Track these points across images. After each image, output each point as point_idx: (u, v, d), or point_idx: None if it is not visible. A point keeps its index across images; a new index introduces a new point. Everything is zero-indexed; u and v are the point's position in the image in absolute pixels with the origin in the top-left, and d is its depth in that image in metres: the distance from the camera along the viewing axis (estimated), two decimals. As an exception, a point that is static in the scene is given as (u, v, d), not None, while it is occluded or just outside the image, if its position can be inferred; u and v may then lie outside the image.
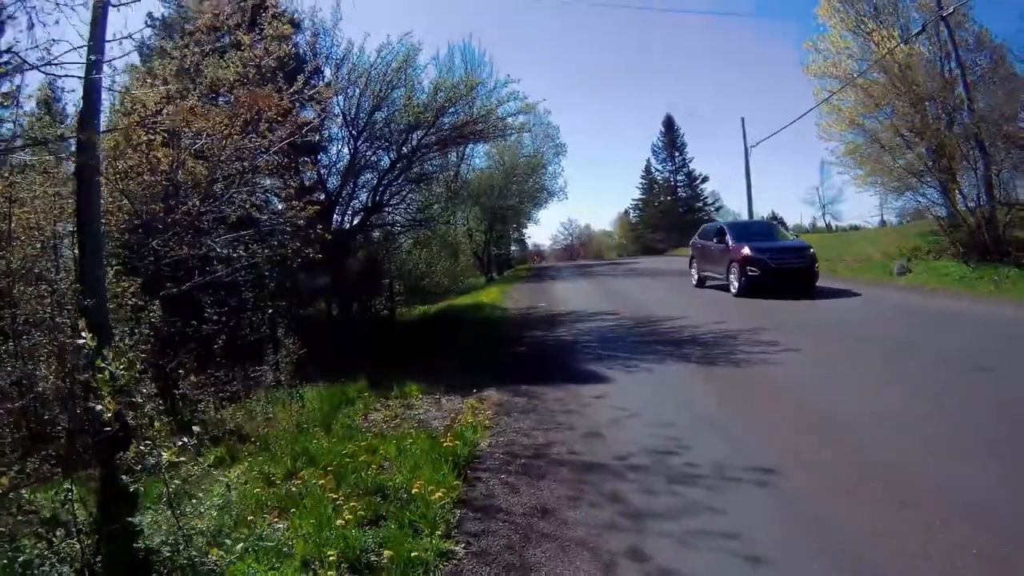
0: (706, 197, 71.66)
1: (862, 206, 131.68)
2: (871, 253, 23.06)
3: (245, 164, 10.56)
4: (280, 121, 10.78)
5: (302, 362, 13.01)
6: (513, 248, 57.43)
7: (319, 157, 16.33)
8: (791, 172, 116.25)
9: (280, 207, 12.69)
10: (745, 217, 39.81)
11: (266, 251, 11.30)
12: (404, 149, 15.95)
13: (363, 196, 16.91)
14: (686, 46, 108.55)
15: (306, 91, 12.33)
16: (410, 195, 18.02)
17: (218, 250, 10.35)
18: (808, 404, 7.25)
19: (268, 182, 13.47)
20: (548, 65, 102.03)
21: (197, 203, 9.93)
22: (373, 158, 16.26)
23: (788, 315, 13.69)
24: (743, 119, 43.24)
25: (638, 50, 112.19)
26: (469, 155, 41.58)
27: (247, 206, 10.71)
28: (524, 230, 54.13)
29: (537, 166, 42.81)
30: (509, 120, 16.79)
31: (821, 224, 68.85)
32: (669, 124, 71.97)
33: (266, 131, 10.56)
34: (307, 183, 16.25)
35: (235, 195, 10.41)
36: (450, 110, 15.75)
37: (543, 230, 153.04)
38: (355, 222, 17.04)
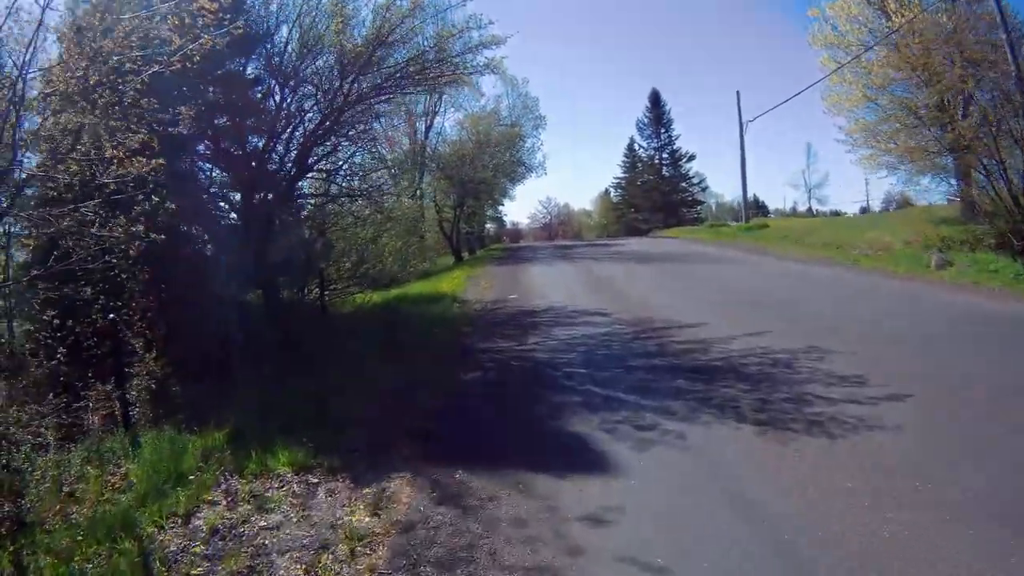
0: (692, 176, 67.96)
1: (847, 191, 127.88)
2: (888, 241, 19.83)
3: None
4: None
5: (176, 376, 9.56)
6: (489, 226, 53.57)
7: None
8: (776, 154, 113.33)
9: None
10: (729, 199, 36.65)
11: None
12: (336, 99, 11.97)
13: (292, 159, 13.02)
14: (674, 17, 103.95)
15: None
16: (350, 159, 14.08)
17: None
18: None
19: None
20: (528, 39, 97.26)
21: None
22: (298, 110, 12.26)
23: (842, 321, 10.07)
24: (738, 92, 39.38)
25: (624, 22, 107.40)
26: (440, 126, 38.26)
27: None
28: (500, 207, 50.04)
29: (514, 138, 39.23)
30: (469, 58, 12.75)
31: (802, 208, 66.22)
32: (655, 99, 67.91)
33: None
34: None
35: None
36: (391, 41, 11.74)
37: (520, 208, 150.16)
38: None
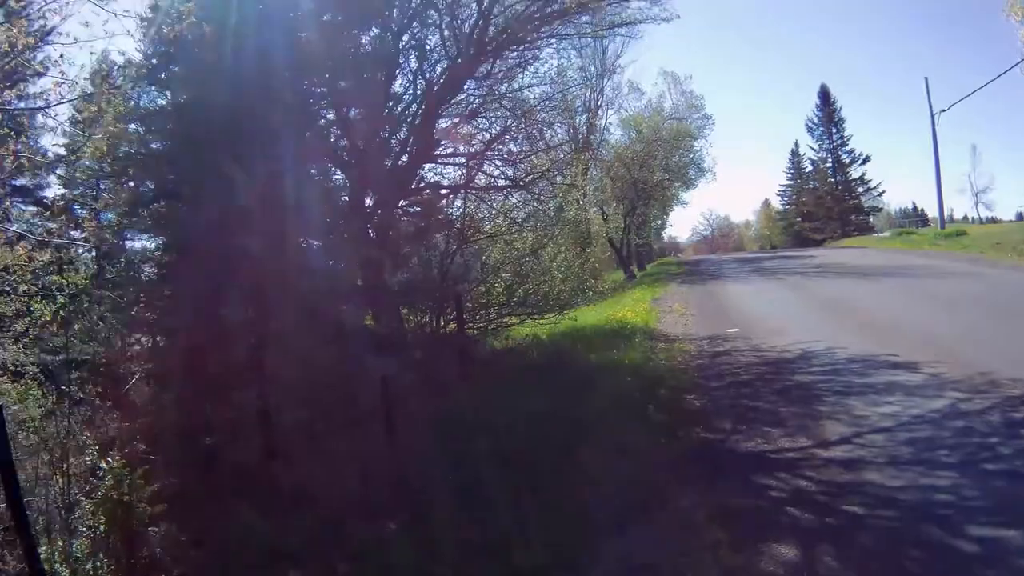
0: (869, 180, 59.32)
1: (1010, 197, 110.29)
2: None
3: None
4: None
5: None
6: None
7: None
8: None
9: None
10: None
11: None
12: (471, 33, 7.83)
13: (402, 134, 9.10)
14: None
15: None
16: (495, 132, 9.93)
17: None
18: None
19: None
20: (682, 33, 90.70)
21: None
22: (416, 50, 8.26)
23: None
24: (927, 79, 33.75)
25: (785, 13, 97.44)
26: (601, 123, 33.84)
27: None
28: (669, 214, 44.60)
29: (684, 135, 34.58)
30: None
31: (974, 215, 56.46)
32: (825, 96, 59.92)
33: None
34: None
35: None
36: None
37: (676, 221, 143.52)
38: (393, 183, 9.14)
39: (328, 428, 6.48)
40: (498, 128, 10.39)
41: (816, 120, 60.86)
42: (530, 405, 6.91)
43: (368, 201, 9.20)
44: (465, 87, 9.73)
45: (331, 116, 8.93)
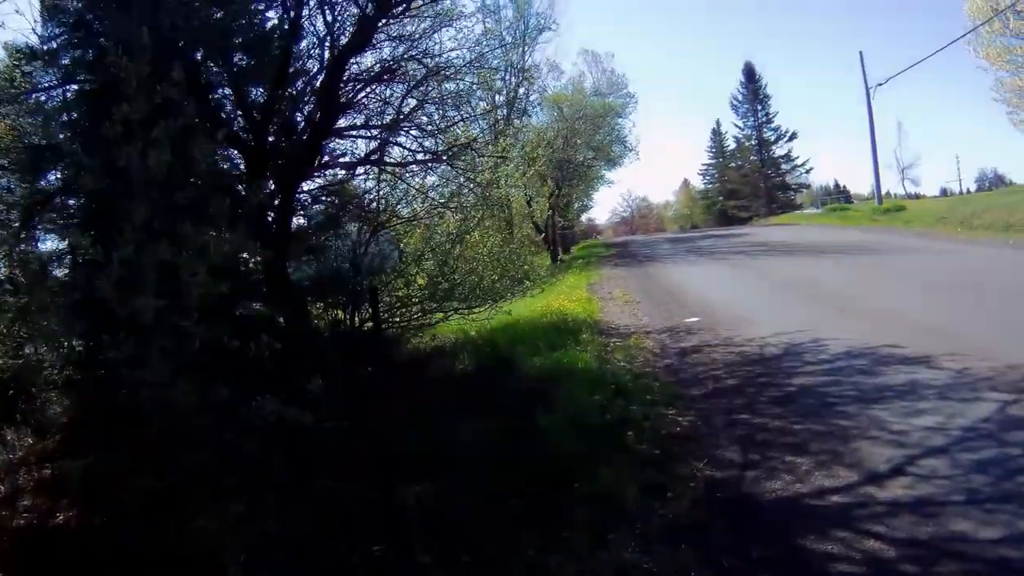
0: (796, 157, 59.92)
1: (940, 172, 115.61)
2: None
3: None
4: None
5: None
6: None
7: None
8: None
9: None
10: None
11: None
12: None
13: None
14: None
15: None
16: (408, 98, 8.15)
17: None
18: None
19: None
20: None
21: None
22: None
23: None
24: (861, 53, 32.66)
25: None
26: (521, 102, 32.27)
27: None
28: (593, 195, 43.28)
29: (607, 111, 33.53)
30: None
31: (899, 191, 58.37)
32: (750, 73, 60.41)
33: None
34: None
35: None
36: None
37: (598, 203, 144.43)
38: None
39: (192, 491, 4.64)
40: (416, 96, 8.64)
41: (741, 97, 61.31)
42: (460, 434, 5.21)
43: (271, 184, 7.35)
44: (376, 41, 7.95)
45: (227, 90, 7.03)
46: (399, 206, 9.36)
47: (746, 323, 8.90)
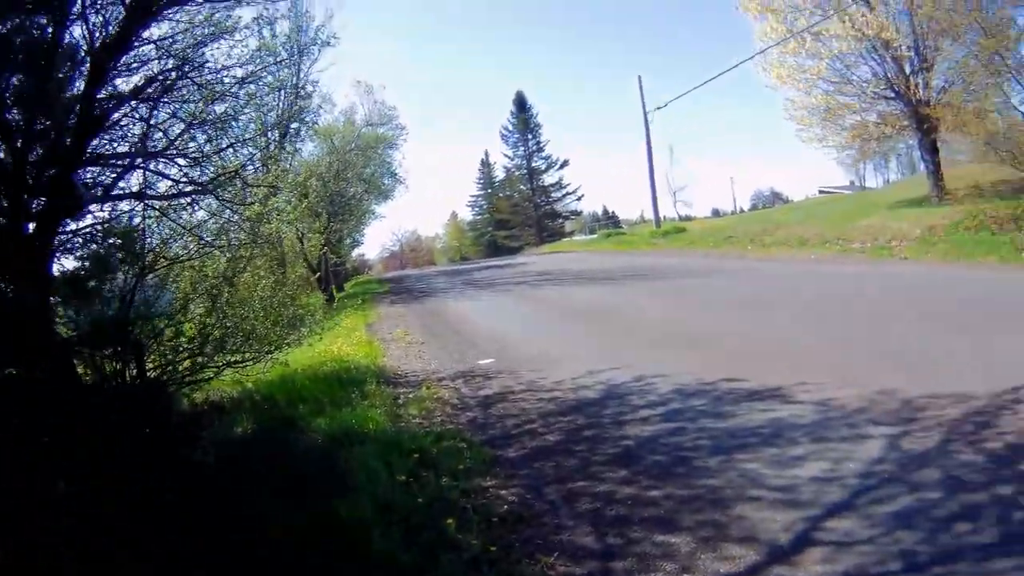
0: (567, 184, 62.87)
1: (712, 193, 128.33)
2: (900, 229, 16.06)
3: None
4: None
5: None
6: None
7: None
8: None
9: None
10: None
11: None
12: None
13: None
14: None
15: None
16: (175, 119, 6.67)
17: None
18: None
19: None
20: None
21: None
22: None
23: None
24: (640, 77, 34.34)
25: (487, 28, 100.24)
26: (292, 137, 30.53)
27: None
28: (364, 230, 41.79)
29: (378, 142, 32.98)
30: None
31: (671, 214, 64.08)
32: (521, 103, 62.85)
33: None
34: None
35: None
36: None
37: (367, 238, 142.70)
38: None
39: None
40: (183, 116, 7.19)
41: (511, 127, 63.20)
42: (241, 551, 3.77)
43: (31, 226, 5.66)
44: (138, 46, 6.46)
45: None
46: (167, 245, 7.71)
47: (549, 362, 8.22)
